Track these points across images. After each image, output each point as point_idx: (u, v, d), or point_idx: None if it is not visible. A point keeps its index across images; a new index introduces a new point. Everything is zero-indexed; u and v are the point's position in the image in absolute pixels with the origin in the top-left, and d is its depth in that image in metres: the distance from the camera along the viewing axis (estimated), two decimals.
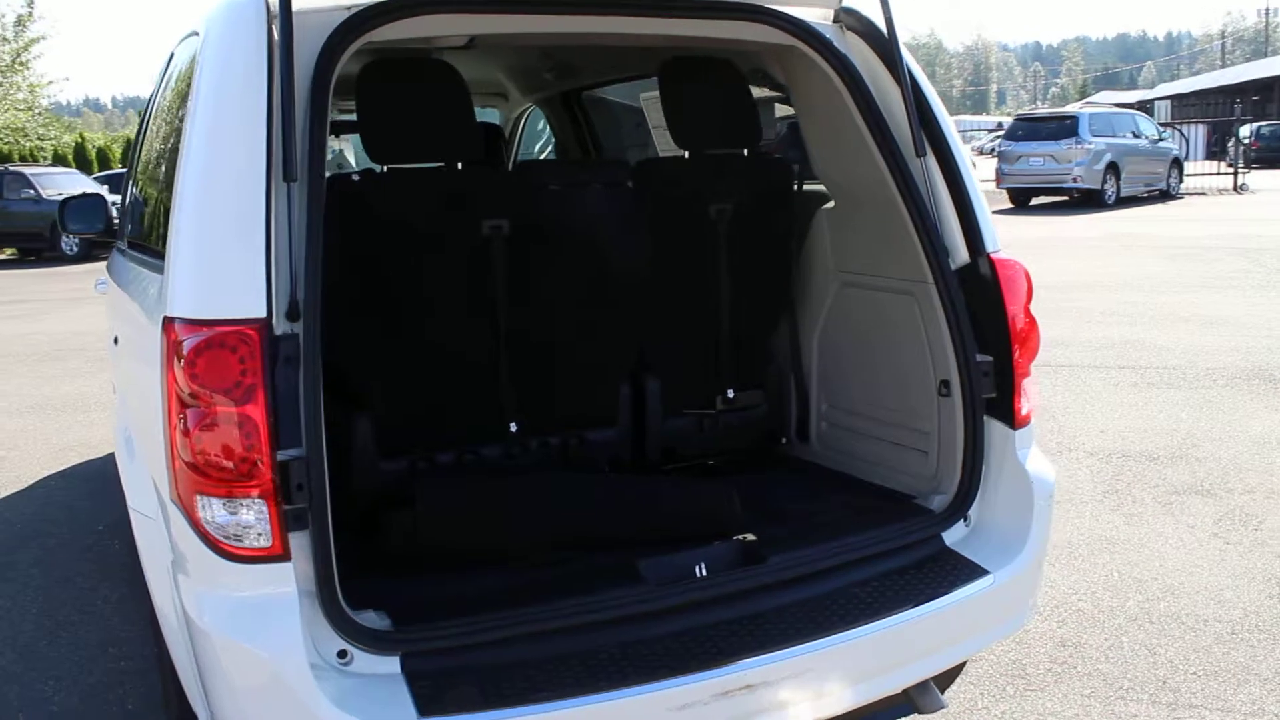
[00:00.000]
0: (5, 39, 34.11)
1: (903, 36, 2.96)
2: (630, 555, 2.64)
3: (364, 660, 2.25)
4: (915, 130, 2.88)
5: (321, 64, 2.41)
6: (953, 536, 2.88)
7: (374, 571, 2.68)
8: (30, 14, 34.50)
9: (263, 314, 2.16)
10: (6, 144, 30.23)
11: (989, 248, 2.90)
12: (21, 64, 34.22)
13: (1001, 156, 24.67)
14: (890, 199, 2.96)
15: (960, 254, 2.91)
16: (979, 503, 2.90)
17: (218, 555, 2.18)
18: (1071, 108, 30.14)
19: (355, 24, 2.47)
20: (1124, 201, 24.03)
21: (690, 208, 3.39)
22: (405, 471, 3.11)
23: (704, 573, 2.60)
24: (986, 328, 2.87)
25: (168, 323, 2.23)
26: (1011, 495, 2.87)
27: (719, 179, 3.42)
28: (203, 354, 2.14)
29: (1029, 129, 24.51)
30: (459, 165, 3.00)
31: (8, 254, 23.74)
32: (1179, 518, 5.25)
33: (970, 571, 2.72)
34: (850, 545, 2.72)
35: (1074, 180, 23.21)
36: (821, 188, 3.54)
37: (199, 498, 2.18)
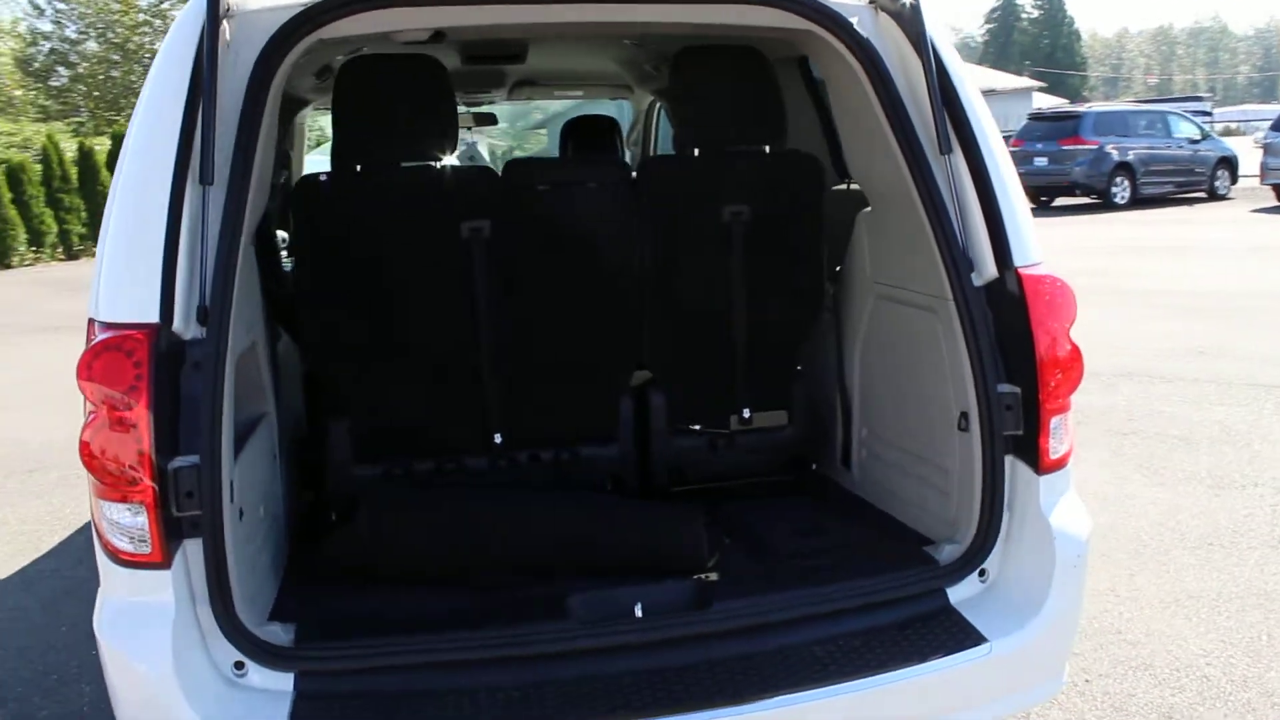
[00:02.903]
0: None
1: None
2: (568, 587, 2.45)
3: (260, 674, 2.19)
4: (939, 124, 2.52)
5: (262, 64, 2.34)
6: (962, 593, 2.51)
7: (312, 582, 2.61)
8: None
9: (154, 319, 2.11)
10: None
11: (1018, 261, 2.50)
12: None
13: (1267, 149, 22.24)
14: (913, 202, 2.61)
15: (988, 268, 2.53)
16: (998, 556, 2.52)
17: (109, 559, 2.17)
18: None
19: (300, 22, 2.38)
20: None
21: (699, 210, 3.13)
22: (381, 478, 3.03)
23: (641, 613, 2.37)
24: (1014, 354, 2.48)
25: (89, 324, 2.23)
26: (1031, 552, 2.48)
27: (734, 179, 3.14)
28: (99, 356, 2.12)
29: None
30: (437, 164, 2.88)
31: None
32: None
33: (964, 638, 2.36)
34: (819, 596, 2.42)
35: None
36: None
37: (97, 500, 2.17)
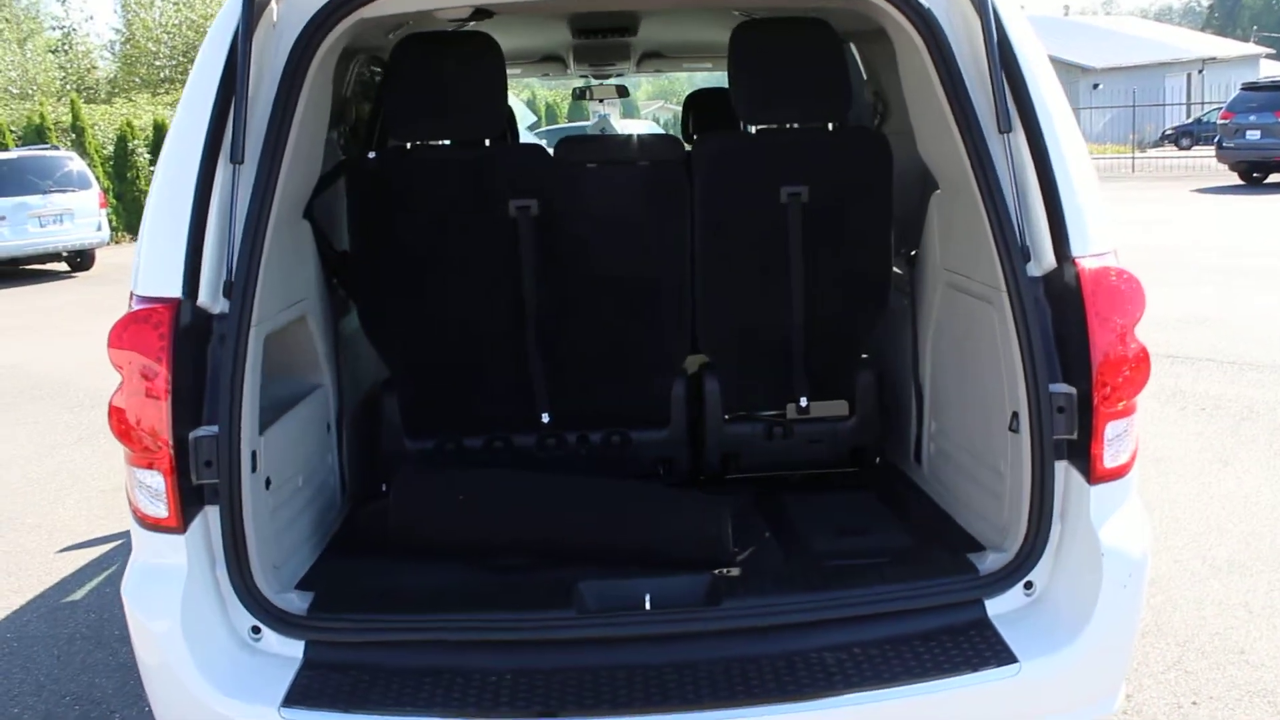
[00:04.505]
0: None
1: None
2: (582, 574, 2.42)
3: (274, 640, 2.27)
4: (999, 98, 2.33)
5: (300, 45, 2.38)
6: (1003, 606, 2.34)
7: (347, 552, 2.68)
8: None
9: (177, 294, 2.19)
10: None
11: (1078, 250, 2.29)
12: None
13: None
14: (970, 184, 2.44)
15: (1046, 257, 2.33)
16: (1046, 569, 2.34)
17: (136, 522, 2.29)
18: None
19: (339, 3, 2.40)
20: None
21: (755, 190, 3.00)
22: (432, 452, 3.07)
23: (650, 606, 2.31)
24: (1071, 352, 2.29)
25: (130, 297, 2.33)
26: (1079, 568, 2.29)
27: (792, 158, 2.99)
28: (128, 328, 2.22)
29: None
30: (486, 142, 2.87)
31: None
32: None
33: (991, 655, 2.20)
34: (838, 600, 2.30)
35: None
36: None
37: (128, 466, 2.28)
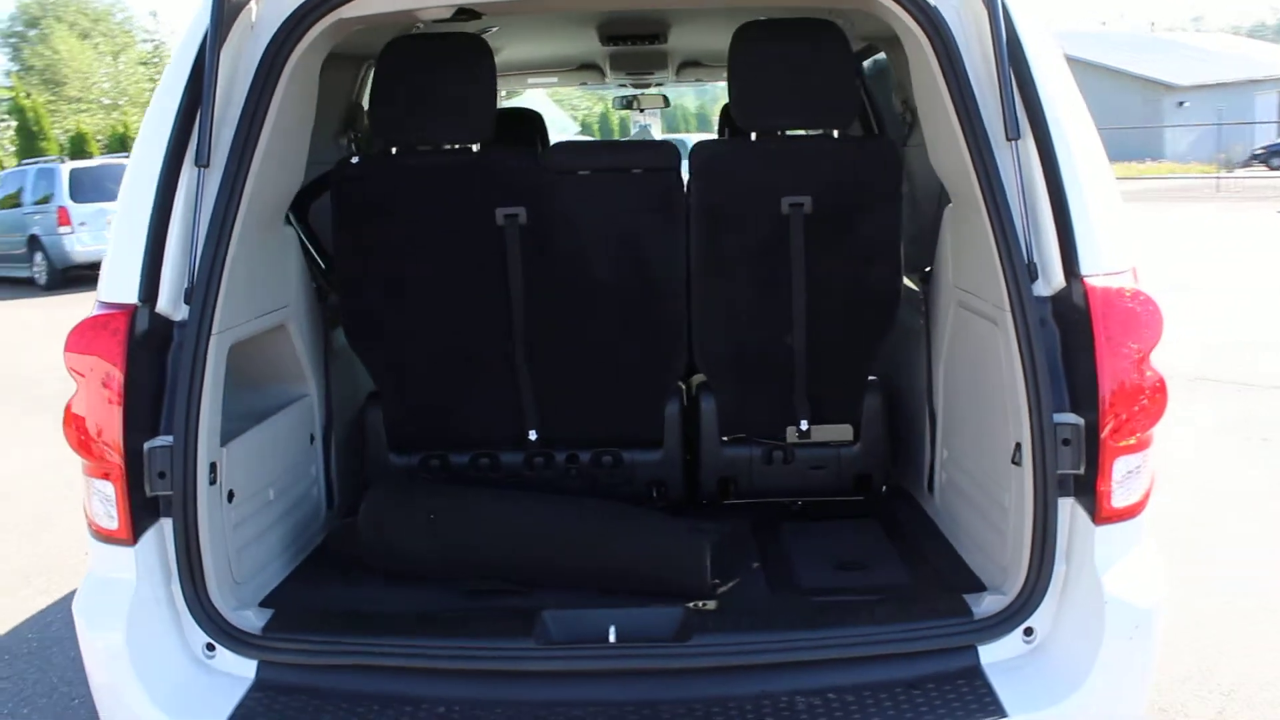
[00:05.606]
0: None
1: None
2: (549, 601, 2.32)
3: (228, 658, 2.18)
4: (1007, 103, 2.16)
5: (274, 45, 2.31)
6: (998, 653, 2.16)
7: (320, 569, 2.60)
8: None
9: (133, 300, 2.13)
10: None
11: (1089, 268, 2.11)
12: None
13: None
14: (978, 196, 2.27)
15: (1055, 275, 2.15)
16: (1048, 614, 2.16)
17: (90, 534, 2.24)
18: None
19: (316, 3, 2.32)
20: None
21: (755, 200, 2.85)
22: (417, 467, 2.97)
23: (615, 638, 2.17)
24: (1080, 380, 2.11)
25: (95, 303, 2.28)
26: (1082, 616, 2.10)
27: (794, 166, 2.84)
28: (84, 334, 2.17)
29: None
30: (473, 148, 2.77)
31: None
32: None
33: (978, 708, 2.03)
34: (817, 641, 2.14)
35: None
36: None
37: (85, 477, 2.23)
